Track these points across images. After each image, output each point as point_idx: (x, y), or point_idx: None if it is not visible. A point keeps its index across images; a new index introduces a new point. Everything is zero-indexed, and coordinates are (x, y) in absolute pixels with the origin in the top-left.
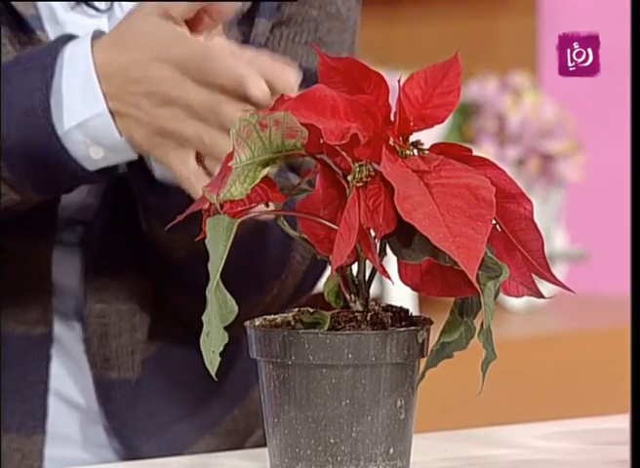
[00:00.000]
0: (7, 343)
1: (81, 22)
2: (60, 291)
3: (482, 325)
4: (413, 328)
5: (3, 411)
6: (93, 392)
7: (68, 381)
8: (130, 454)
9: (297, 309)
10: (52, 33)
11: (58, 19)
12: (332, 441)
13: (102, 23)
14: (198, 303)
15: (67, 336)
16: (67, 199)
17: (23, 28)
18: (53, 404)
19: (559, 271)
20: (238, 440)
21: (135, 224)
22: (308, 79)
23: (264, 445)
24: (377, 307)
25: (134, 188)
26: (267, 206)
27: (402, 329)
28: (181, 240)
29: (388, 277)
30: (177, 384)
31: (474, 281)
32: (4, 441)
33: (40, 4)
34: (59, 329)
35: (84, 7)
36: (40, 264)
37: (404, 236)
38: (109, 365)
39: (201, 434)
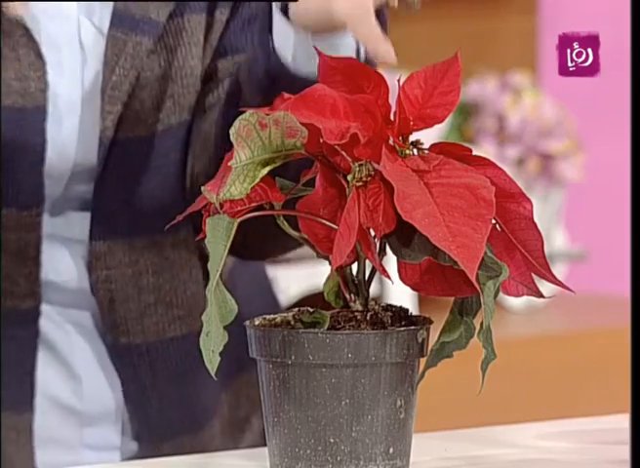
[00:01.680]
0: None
1: None
2: (45, 286)
3: (482, 324)
4: (412, 327)
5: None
6: (85, 392)
7: (60, 385)
8: (137, 438)
9: (296, 309)
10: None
11: None
12: (332, 440)
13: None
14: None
15: (58, 337)
16: (49, 177)
17: None
18: (45, 408)
19: (559, 271)
20: (238, 427)
21: (137, 190)
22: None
23: (262, 443)
24: (376, 307)
25: (265, 66)
26: (269, 205)
27: (402, 328)
28: None
29: (388, 277)
30: (188, 357)
31: (474, 280)
32: (3, 419)
33: None
34: (48, 329)
35: None
36: (29, 233)
37: (404, 236)
38: (119, 331)
39: (210, 415)
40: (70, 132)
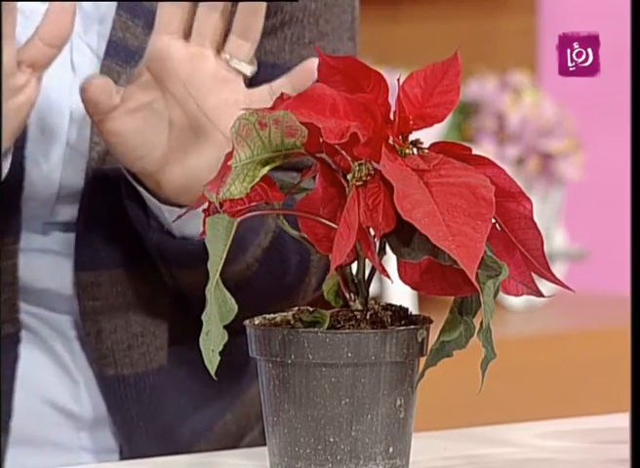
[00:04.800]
0: None
1: (41, 12)
2: (44, 294)
3: (481, 324)
4: (412, 326)
5: None
6: (83, 396)
7: (58, 388)
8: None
9: (296, 308)
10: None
11: (24, 8)
12: (331, 440)
13: None
14: None
15: (57, 340)
16: (34, 201)
17: None
18: (43, 411)
19: (559, 270)
20: (229, 444)
21: (122, 220)
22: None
23: (258, 445)
24: (376, 306)
25: (150, 245)
26: (268, 205)
27: (401, 327)
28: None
29: (388, 276)
30: (173, 387)
31: (474, 280)
32: None
33: None
34: (48, 333)
35: None
36: (6, 260)
37: (403, 235)
38: (106, 361)
39: (196, 439)
40: (56, 158)
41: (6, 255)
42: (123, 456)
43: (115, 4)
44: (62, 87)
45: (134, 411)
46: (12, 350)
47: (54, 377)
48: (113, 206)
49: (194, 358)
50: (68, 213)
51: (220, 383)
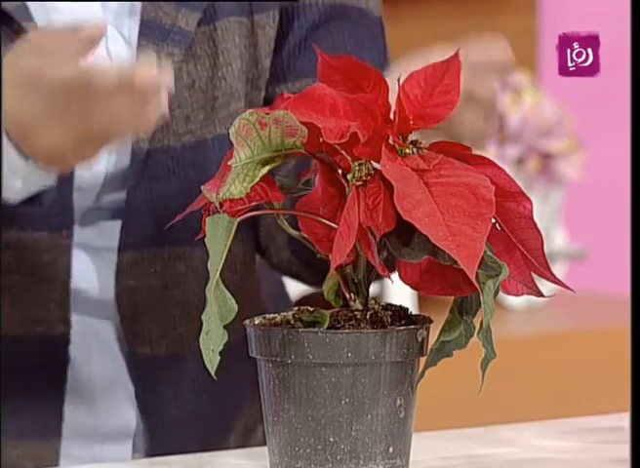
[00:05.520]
0: (27, 344)
1: (72, 7)
2: (81, 294)
3: (481, 323)
4: (412, 326)
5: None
6: (97, 411)
7: (74, 401)
8: (149, 446)
9: (296, 308)
10: (41, 22)
11: (47, 5)
12: (331, 439)
13: (95, 7)
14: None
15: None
16: (81, 191)
17: (7, 21)
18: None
19: (559, 270)
20: (240, 443)
21: (166, 198)
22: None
23: (264, 443)
24: (376, 306)
25: None
26: (268, 205)
27: (401, 327)
28: None
29: (388, 276)
30: (207, 373)
31: (474, 280)
32: (16, 448)
33: None
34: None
35: None
36: (60, 256)
37: (403, 235)
38: (142, 340)
39: (222, 431)
40: None
41: (60, 250)
42: (148, 448)
43: None
44: None
45: (165, 394)
46: (63, 350)
47: (69, 390)
48: (158, 184)
49: (232, 345)
50: (110, 198)
51: (251, 375)
